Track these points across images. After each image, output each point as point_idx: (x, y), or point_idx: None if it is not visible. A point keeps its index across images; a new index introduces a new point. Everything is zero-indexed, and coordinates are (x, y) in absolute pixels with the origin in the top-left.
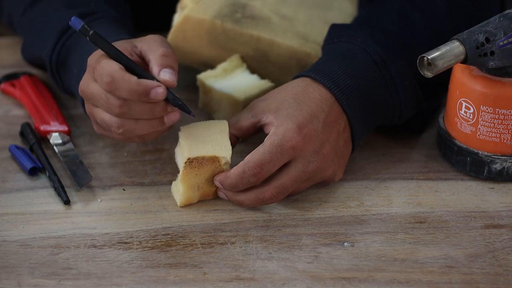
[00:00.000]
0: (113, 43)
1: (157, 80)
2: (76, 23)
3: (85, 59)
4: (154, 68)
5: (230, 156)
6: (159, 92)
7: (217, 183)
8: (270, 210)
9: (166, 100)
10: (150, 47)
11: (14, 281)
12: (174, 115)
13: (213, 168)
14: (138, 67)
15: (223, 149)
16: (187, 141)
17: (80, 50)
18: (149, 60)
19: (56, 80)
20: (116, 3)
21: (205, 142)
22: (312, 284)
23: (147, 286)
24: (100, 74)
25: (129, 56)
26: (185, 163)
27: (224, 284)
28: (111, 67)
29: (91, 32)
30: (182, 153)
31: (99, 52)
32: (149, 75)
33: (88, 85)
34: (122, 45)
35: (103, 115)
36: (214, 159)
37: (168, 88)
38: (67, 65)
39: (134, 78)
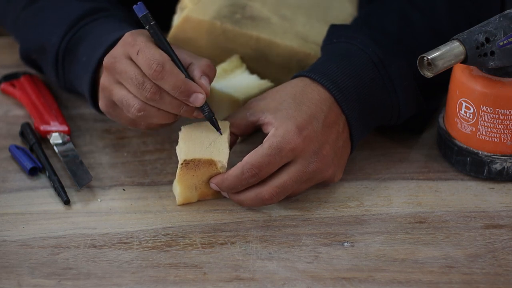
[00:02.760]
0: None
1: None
2: (141, 9)
3: (96, 49)
4: (196, 71)
5: (226, 160)
6: (200, 98)
7: (213, 185)
8: (270, 210)
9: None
10: (191, 56)
11: (14, 281)
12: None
13: (210, 171)
14: (183, 67)
15: (220, 153)
16: (185, 142)
17: (91, 40)
18: (191, 63)
19: (58, 73)
20: (119, 7)
21: (203, 144)
22: (312, 284)
23: (147, 286)
24: (148, 59)
25: None
26: (181, 164)
27: (224, 284)
28: (162, 56)
29: (152, 22)
30: (180, 153)
31: (143, 34)
32: (190, 77)
33: (121, 59)
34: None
35: (124, 92)
36: (211, 162)
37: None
38: (76, 53)
39: (182, 75)
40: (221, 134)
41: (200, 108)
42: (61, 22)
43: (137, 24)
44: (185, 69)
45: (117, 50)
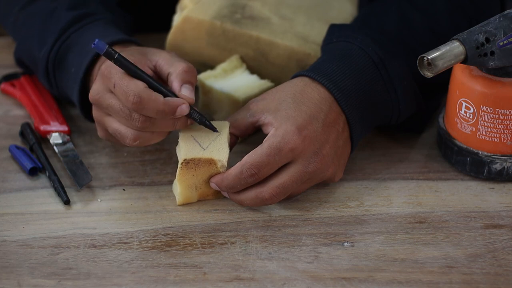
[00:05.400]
0: (127, 55)
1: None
2: (100, 46)
3: (84, 59)
4: (175, 83)
5: (226, 159)
6: (184, 108)
7: (213, 185)
8: (270, 210)
9: (188, 115)
10: (168, 61)
11: (14, 281)
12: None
13: (210, 170)
14: (160, 85)
15: (220, 152)
16: (185, 141)
17: (79, 49)
18: (169, 73)
19: (50, 82)
20: (113, 8)
21: (203, 143)
22: (312, 284)
23: (147, 286)
24: (125, 92)
25: (144, 69)
26: (181, 163)
27: (224, 284)
28: (137, 86)
29: (116, 55)
30: (180, 153)
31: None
32: (169, 91)
33: (104, 94)
34: (137, 58)
35: (116, 125)
36: (211, 162)
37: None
38: (65, 64)
39: (161, 98)
40: (218, 132)
41: (190, 116)
42: (48, 34)
43: (125, 24)
44: (163, 86)
45: (98, 85)
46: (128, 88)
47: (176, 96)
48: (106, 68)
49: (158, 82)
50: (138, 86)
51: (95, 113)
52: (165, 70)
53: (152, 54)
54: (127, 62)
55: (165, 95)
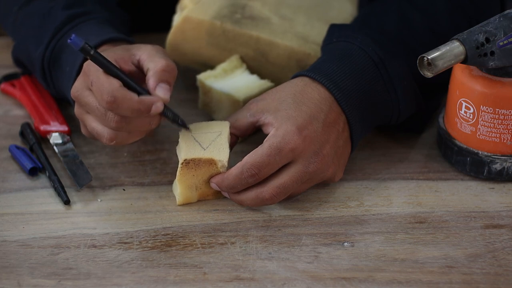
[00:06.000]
0: (110, 52)
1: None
2: (76, 42)
3: (77, 58)
4: (151, 81)
5: (227, 159)
6: (158, 106)
7: (213, 185)
8: (270, 210)
9: (162, 113)
10: (150, 57)
11: (14, 281)
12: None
13: (210, 170)
14: (135, 83)
15: (220, 152)
16: (186, 141)
17: (72, 49)
18: (148, 69)
19: (47, 82)
20: (111, 7)
21: (204, 143)
22: (312, 284)
23: (147, 286)
24: (100, 91)
25: (126, 64)
26: (182, 163)
27: (224, 284)
28: (111, 85)
29: (92, 51)
30: (180, 153)
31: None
32: (144, 90)
33: (83, 92)
34: (120, 54)
35: (94, 124)
36: (211, 162)
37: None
38: (60, 63)
39: (135, 97)
40: (189, 130)
41: (163, 114)
42: (44, 33)
43: (123, 23)
44: (138, 85)
45: (79, 82)
46: (102, 87)
47: (151, 94)
48: (87, 66)
49: (134, 80)
50: (112, 85)
51: (76, 110)
52: (146, 66)
53: (136, 49)
54: (103, 60)
55: (139, 94)
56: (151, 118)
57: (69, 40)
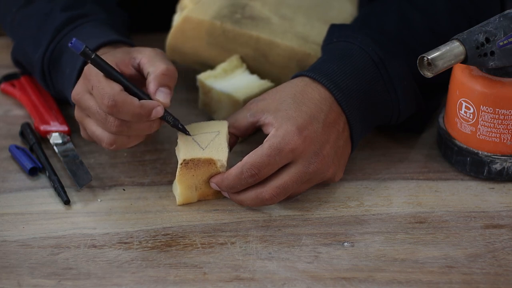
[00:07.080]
0: (110, 55)
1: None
2: (77, 46)
3: (77, 60)
4: (151, 85)
5: (226, 159)
6: (159, 110)
7: (213, 185)
8: (270, 210)
9: (162, 117)
10: (150, 60)
11: (14, 281)
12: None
13: (210, 170)
14: (135, 87)
15: (219, 152)
16: (184, 142)
17: (72, 51)
18: (148, 73)
19: (47, 84)
20: (111, 8)
21: (202, 143)
22: (312, 284)
23: (147, 286)
24: (100, 95)
25: (127, 68)
26: (181, 164)
27: (224, 284)
28: (112, 89)
29: (92, 55)
30: (179, 154)
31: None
32: (145, 94)
33: (83, 95)
34: (120, 57)
35: (94, 128)
36: (210, 162)
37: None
38: (60, 65)
39: (136, 101)
40: (190, 135)
41: (163, 119)
42: (43, 35)
43: (122, 24)
44: (139, 89)
45: (79, 85)
46: (103, 91)
47: (151, 99)
48: (88, 69)
49: (134, 85)
50: (113, 89)
51: (77, 113)
52: (146, 69)
53: (136, 52)
54: (104, 63)
55: (140, 98)
56: (151, 122)
57: (69, 44)
